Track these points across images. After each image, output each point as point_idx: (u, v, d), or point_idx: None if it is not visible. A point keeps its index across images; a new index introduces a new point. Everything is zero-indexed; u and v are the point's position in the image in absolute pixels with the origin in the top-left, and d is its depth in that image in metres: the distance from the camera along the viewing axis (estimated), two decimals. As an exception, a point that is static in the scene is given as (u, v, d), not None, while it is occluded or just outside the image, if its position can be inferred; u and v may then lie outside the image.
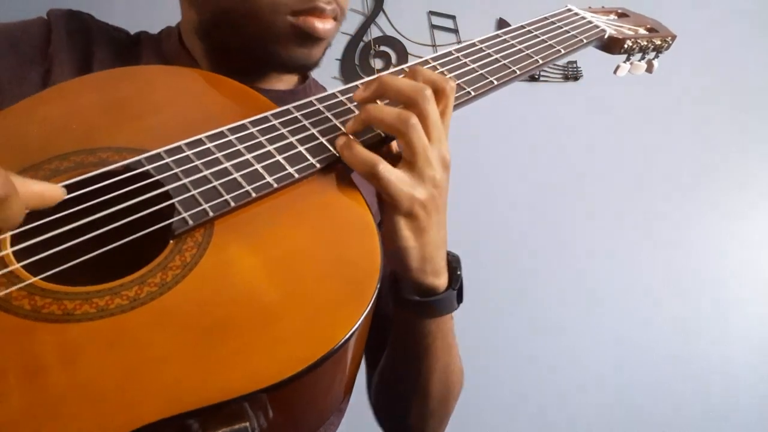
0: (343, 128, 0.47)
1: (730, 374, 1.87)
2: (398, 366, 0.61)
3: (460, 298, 0.54)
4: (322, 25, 0.55)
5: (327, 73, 1.79)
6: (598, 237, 1.86)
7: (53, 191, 0.36)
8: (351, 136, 0.46)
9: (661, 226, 1.88)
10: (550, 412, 1.85)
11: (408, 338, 0.56)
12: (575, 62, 1.86)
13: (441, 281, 0.51)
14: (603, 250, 1.87)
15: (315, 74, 0.66)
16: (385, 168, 0.44)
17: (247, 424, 0.33)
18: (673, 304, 1.87)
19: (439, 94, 0.47)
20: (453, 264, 0.53)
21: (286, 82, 0.66)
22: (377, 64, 1.86)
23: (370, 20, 1.86)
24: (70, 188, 0.39)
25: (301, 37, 0.56)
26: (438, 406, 0.62)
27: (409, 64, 0.54)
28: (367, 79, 0.50)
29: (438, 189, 0.46)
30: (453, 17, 1.87)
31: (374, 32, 1.86)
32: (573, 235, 1.86)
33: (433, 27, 1.88)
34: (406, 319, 0.55)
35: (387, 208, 0.46)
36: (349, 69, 1.84)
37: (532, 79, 1.85)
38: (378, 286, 0.39)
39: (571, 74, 1.87)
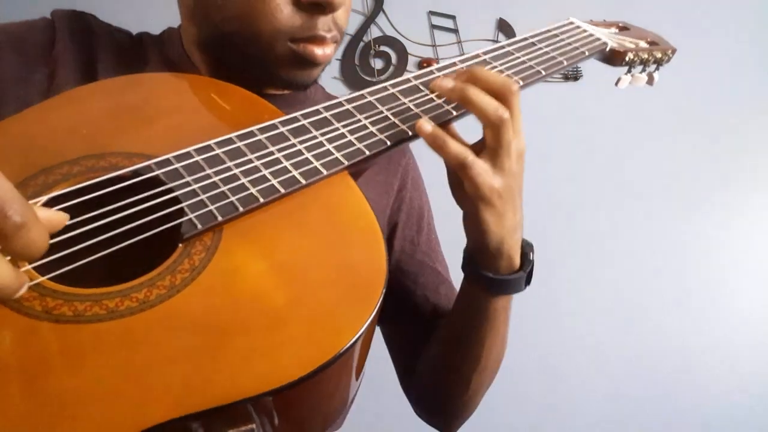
0: (349, 136, 0.48)
1: (731, 375, 1.89)
2: (459, 341, 0.63)
3: (528, 281, 0.58)
4: (321, 51, 0.56)
5: (327, 74, 1.77)
6: (597, 237, 1.87)
7: (59, 217, 0.37)
8: (436, 127, 0.49)
9: (661, 225, 1.89)
10: (548, 414, 1.87)
11: (474, 314, 0.59)
12: (574, 64, 1.87)
13: (514, 262, 0.55)
14: (601, 250, 1.88)
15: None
16: (475, 160, 0.48)
17: (254, 426, 0.34)
18: (672, 302, 1.89)
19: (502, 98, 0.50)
20: (526, 249, 0.57)
21: None
22: (377, 64, 1.86)
23: (370, 20, 1.86)
24: (80, 192, 0.40)
25: (301, 63, 0.56)
26: (488, 379, 0.66)
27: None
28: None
29: (513, 178, 0.50)
30: (453, 17, 1.87)
31: (374, 32, 1.86)
32: (571, 234, 1.87)
33: (433, 27, 1.87)
34: (476, 295, 0.58)
35: (467, 196, 0.50)
36: (349, 69, 1.84)
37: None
38: (384, 290, 0.40)
39: (571, 74, 1.87)
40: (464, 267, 0.58)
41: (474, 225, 0.52)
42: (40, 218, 0.34)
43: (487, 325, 0.59)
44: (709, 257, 1.91)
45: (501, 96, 0.49)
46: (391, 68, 1.85)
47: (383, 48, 1.86)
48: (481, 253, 0.55)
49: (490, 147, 0.49)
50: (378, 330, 0.73)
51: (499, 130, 0.48)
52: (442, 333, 0.67)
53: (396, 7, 1.86)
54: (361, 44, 1.85)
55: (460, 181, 0.51)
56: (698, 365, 1.90)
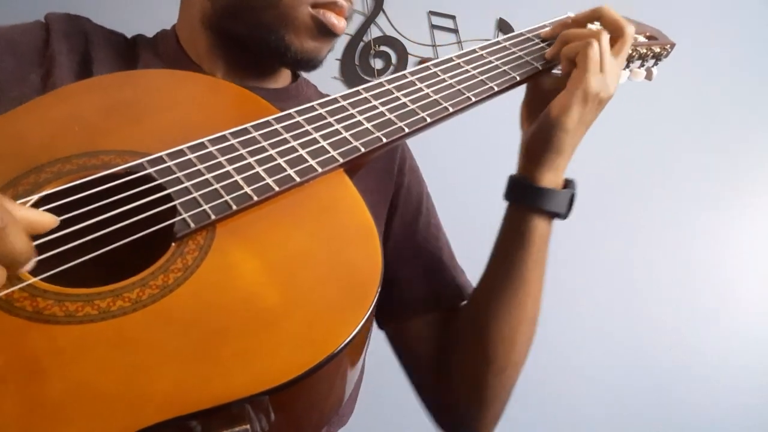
0: (344, 132, 0.48)
1: (729, 374, 1.88)
2: (500, 278, 0.63)
3: (569, 208, 0.62)
4: (337, 21, 0.59)
5: (327, 74, 1.78)
6: (597, 236, 1.86)
7: (48, 219, 0.36)
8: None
9: (660, 224, 1.88)
10: (544, 412, 1.86)
11: (515, 242, 0.61)
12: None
13: (560, 181, 0.61)
14: (601, 249, 1.87)
15: (316, 74, 0.67)
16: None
17: (248, 426, 0.34)
18: (671, 302, 1.88)
19: (617, 33, 0.58)
20: (568, 183, 0.62)
21: (280, 81, 0.67)
22: (377, 64, 1.85)
23: (370, 20, 1.86)
24: (72, 191, 0.40)
25: (318, 30, 0.58)
26: (530, 331, 0.66)
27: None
28: (372, 82, 0.53)
29: (598, 105, 0.57)
30: (453, 17, 1.87)
31: (374, 32, 1.86)
32: (571, 233, 1.85)
33: (433, 27, 1.87)
34: (518, 219, 0.61)
35: (574, 81, 0.55)
36: (349, 69, 1.83)
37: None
38: (378, 290, 0.39)
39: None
40: (508, 190, 0.61)
41: (554, 121, 0.55)
42: (28, 219, 0.34)
43: (529, 251, 0.61)
44: (714, 255, 1.89)
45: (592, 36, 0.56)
46: (391, 68, 1.85)
47: (383, 48, 1.86)
48: (538, 157, 0.58)
49: (583, 64, 0.55)
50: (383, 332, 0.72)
51: (587, 47, 0.54)
52: (478, 286, 0.66)
53: (396, 7, 1.86)
54: (361, 44, 1.85)
55: (539, 96, 0.59)
56: (700, 364, 1.88)
